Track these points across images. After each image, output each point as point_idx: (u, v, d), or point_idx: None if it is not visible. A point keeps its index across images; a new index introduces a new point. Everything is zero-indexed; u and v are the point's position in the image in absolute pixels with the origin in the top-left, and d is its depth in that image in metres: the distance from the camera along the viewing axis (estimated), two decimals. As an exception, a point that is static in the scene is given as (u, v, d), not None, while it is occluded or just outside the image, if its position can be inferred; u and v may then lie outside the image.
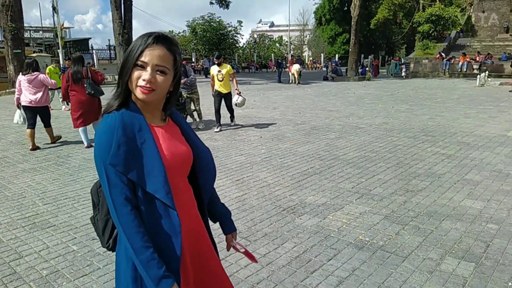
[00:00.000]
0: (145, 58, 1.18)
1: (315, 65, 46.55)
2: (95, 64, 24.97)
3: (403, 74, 26.44)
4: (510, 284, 2.47)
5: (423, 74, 26.32)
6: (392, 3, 44.98)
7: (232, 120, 8.77)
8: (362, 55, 32.03)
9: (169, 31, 47.68)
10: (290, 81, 22.40)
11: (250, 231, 3.38)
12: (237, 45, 47.13)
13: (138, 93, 1.19)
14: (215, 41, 42.85)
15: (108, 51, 31.63)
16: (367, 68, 26.00)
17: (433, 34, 33.21)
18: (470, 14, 40.78)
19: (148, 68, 1.18)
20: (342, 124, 8.47)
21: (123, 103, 1.23)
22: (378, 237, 3.19)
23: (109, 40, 32.86)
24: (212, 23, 42.83)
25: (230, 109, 8.55)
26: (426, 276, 2.61)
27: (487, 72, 19.04)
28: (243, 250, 1.56)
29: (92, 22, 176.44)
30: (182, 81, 7.57)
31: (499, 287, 2.44)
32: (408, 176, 4.75)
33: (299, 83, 21.34)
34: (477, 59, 24.78)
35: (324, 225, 3.46)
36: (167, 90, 1.26)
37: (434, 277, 2.59)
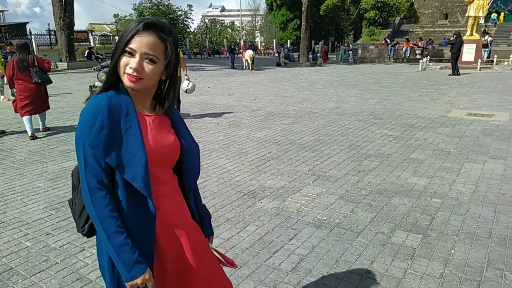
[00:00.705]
0: (133, 45, 1.15)
1: (267, 51, 46.70)
2: (35, 50, 23.25)
3: (350, 60, 27.36)
4: (453, 251, 2.74)
5: (370, 59, 27.41)
6: (340, -10, 46.04)
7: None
8: (313, 41, 32.65)
9: (114, 14, 45.43)
10: (244, 67, 22.36)
11: (213, 217, 3.37)
12: (188, 30, 45.95)
13: (125, 80, 1.17)
14: (164, 26, 41.53)
15: (48, 36, 29.48)
16: (318, 54, 26.54)
17: (378, 20, 34.59)
18: (413, 0, 42.82)
19: (137, 56, 1.15)
20: (297, 110, 8.67)
21: (111, 86, 1.20)
22: (334, 216, 3.36)
23: (48, 24, 30.73)
24: (160, 7, 41.34)
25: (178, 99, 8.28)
26: (379, 248, 2.82)
27: (428, 57, 20.26)
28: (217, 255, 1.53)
29: (28, 5, 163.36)
30: None
31: (443, 255, 2.70)
32: (360, 157, 5.01)
33: (252, 69, 21.37)
34: (420, 44, 26.21)
35: (283, 207, 3.58)
36: (156, 79, 1.23)
37: (386, 249, 2.80)
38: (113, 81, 1.21)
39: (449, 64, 16.35)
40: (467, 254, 2.70)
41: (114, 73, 1.19)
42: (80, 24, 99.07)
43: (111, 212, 1.14)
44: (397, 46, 26.74)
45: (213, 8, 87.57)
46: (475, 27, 18.12)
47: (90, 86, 7.39)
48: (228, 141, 6.06)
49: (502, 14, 33.62)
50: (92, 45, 32.31)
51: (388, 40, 29.03)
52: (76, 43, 27.44)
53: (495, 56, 19.47)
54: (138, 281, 1.16)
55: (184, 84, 7.55)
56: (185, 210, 1.38)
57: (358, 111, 8.26)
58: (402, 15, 37.13)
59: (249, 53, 21.63)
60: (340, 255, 2.75)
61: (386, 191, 3.87)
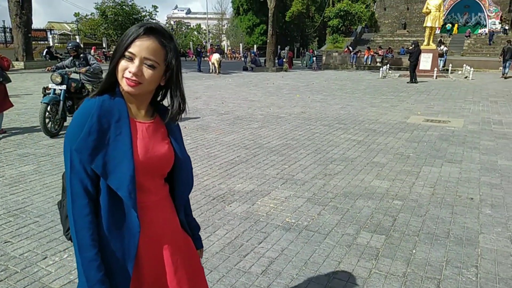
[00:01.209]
0: (133, 49, 1.12)
1: (234, 55, 46.81)
2: (-12, 48, 21.96)
3: (314, 66, 28.04)
4: (414, 251, 2.89)
5: (333, 66, 28.15)
6: (305, -3, 47.05)
7: None
8: (279, 47, 33.11)
9: (75, 13, 43.81)
10: (211, 71, 22.29)
11: (181, 222, 3.39)
12: (152, 31, 45.14)
13: (124, 84, 1.14)
14: (128, 26, 40.47)
15: (3, 34, 27.92)
16: (284, 60, 26.93)
17: (341, 28, 35.67)
18: (374, 10, 44.55)
19: (136, 60, 1.12)
20: (264, 114, 8.76)
21: (107, 90, 1.17)
22: (302, 218, 3.44)
23: (4, 21, 28.98)
24: (124, 7, 40.39)
25: None
26: (345, 249, 2.91)
27: (388, 65, 21.13)
28: None
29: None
30: (83, 69, 6.58)
31: (405, 255, 2.84)
32: (326, 161, 5.15)
33: (219, 72, 21.35)
34: (380, 53, 27.27)
35: (253, 210, 3.61)
36: (155, 85, 1.19)
37: (352, 250, 2.90)
38: (109, 85, 1.18)
39: (408, 72, 17.13)
40: (427, 253, 2.85)
41: (112, 76, 1.17)
42: (38, 22, 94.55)
43: (89, 223, 1.11)
44: (359, 54, 27.65)
45: (178, 10, 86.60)
46: (431, 37, 19.12)
47: (44, 88, 7.09)
48: (196, 144, 6.03)
49: (456, 25, 35.71)
50: (51, 44, 30.97)
51: (350, 47, 29.98)
52: (34, 42, 26.19)
53: (450, 65, 20.63)
54: None
55: None
56: (175, 222, 1.32)
57: (324, 116, 8.47)
58: (364, 24, 38.54)
59: (216, 57, 21.61)
60: (309, 256, 2.81)
61: (351, 194, 4.00)
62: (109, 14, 39.89)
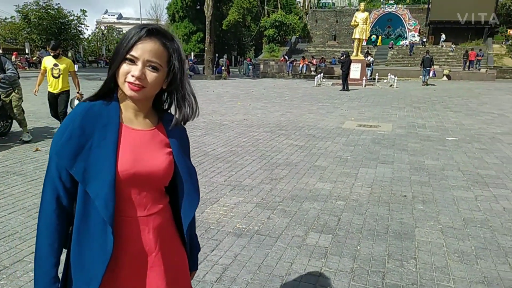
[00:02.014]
0: (136, 52, 1.06)
1: (171, 62, 45.96)
2: None
3: (250, 74, 28.63)
4: (359, 247, 3.06)
5: (271, 74, 28.91)
6: (240, 7, 47.84)
7: None
8: (217, 55, 33.22)
9: (-7, 15, 40.01)
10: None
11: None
12: (81, 36, 42.73)
13: (126, 89, 1.08)
14: (54, 31, 37.85)
15: None
16: (223, 68, 27.06)
17: (277, 38, 36.79)
18: (306, 22, 46.62)
19: (139, 63, 1.07)
20: (207, 122, 8.72)
21: (103, 95, 1.12)
22: (253, 223, 3.48)
23: None
24: (49, 10, 37.73)
25: (64, 117, 6.33)
26: (296, 251, 3.01)
27: (322, 74, 22.21)
28: None
29: None
30: None
31: (351, 251, 3.00)
32: (271, 166, 5.26)
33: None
34: (313, 62, 28.59)
35: (203, 218, 3.58)
36: (158, 89, 1.14)
37: (302, 251, 3.00)
38: (107, 89, 1.13)
39: (340, 81, 18.17)
40: (371, 249, 3.05)
41: (111, 81, 1.11)
42: None
43: (51, 232, 1.06)
44: (294, 63, 28.74)
45: (109, 15, 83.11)
46: (360, 48, 20.50)
47: None
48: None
49: (380, 37, 38.66)
50: (-37, 48, 27.87)
51: (286, 57, 31.06)
52: None
53: (377, 74, 22.27)
54: None
55: (73, 104, 6.40)
56: (169, 240, 1.21)
57: (265, 123, 8.65)
58: (298, 34, 40.13)
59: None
60: (262, 260, 2.86)
61: (298, 197, 4.14)
62: (32, 18, 37.00)
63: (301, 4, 53.18)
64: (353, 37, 20.27)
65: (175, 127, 1.18)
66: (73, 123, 1.06)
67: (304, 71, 27.77)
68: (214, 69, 26.03)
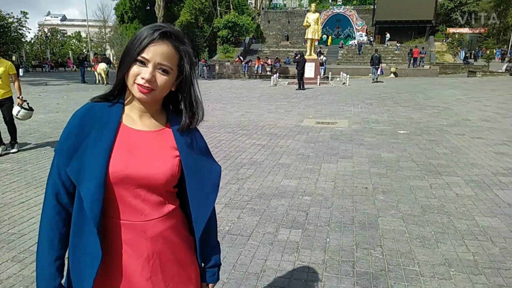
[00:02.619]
0: (147, 54, 1.03)
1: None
2: None
3: (204, 76, 28.50)
4: (328, 239, 3.16)
5: (227, 75, 28.87)
6: (192, 7, 47.32)
7: (12, 146, 6.01)
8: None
9: None
10: (97, 81, 20.82)
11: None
12: (23, 39, 40.17)
13: (135, 91, 1.05)
14: (-8, 34, 35.33)
15: None
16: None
17: (231, 39, 36.85)
18: (259, 23, 47.09)
19: (150, 66, 1.04)
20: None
21: (110, 96, 1.11)
22: (223, 224, 3.47)
23: None
24: (-14, 12, 35.11)
25: (11, 127, 5.95)
26: (269, 247, 3.04)
27: (278, 74, 22.53)
28: None
29: None
30: None
31: (322, 244, 3.09)
32: (236, 166, 5.28)
33: (107, 83, 20.07)
34: (268, 62, 28.93)
35: (171, 222, 3.51)
36: (167, 91, 1.11)
37: (275, 247, 3.05)
38: (118, 90, 1.11)
39: (295, 80, 18.54)
40: (339, 240, 3.16)
41: (122, 82, 1.09)
42: None
43: (51, 228, 1.07)
44: (250, 63, 28.91)
45: (52, 17, 78.72)
46: (313, 48, 21.04)
47: None
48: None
49: (330, 37, 39.93)
50: None
51: (241, 57, 31.16)
52: None
53: (330, 73, 22.98)
54: None
55: (14, 111, 5.79)
56: (173, 248, 1.15)
57: (226, 124, 8.64)
58: (251, 35, 40.44)
59: (102, 67, 20.29)
60: (236, 259, 2.86)
61: (265, 195, 4.19)
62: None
63: (253, 5, 53.66)
64: (306, 37, 20.76)
65: (183, 132, 1.15)
66: (73, 122, 1.07)
67: (260, 71, 28.02)
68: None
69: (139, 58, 1.04)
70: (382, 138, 7.01)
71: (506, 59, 32.47)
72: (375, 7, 40.37)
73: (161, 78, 1.06)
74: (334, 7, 40.53)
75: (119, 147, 1.06)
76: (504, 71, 24.98)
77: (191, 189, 1.13)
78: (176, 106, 1.20)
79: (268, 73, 27.13)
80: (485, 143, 6.55)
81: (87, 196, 1.02)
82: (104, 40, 62.26)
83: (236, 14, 39.26)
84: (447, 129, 7.78)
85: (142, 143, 1.10)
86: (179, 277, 1.18)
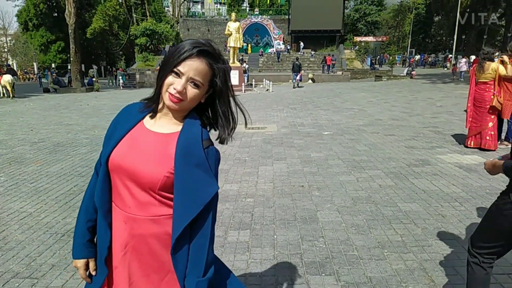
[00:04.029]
0: (183, 68, 1.13)
1: (27, 76, 40.53)
2: None
3: (120, 85, 27.53)
4: (275, 236, 3.34)
5: (149, 84, 28.03)
6: (105, 14, 45.06)
7: None
8: (83, 65, 30.63)
9: None
10: (2, 95, 18.78)
11: (31, 268, 2.90)
12: None
13: (166, 98, 1.16)
14: None
15: None
16: (94, 79, 25.13)
17: (150, 47, 35.85)
18: (178, 30, 46.53)
19: (183, 78, 1.14)
20: (90, 138, 8.07)
21: (151, 98, 1.26)
22: (171, 233, 3.46)
23: None
24: None
25: None
26: (221, 250, 3.12)
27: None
28: None
29: None
30: None
31: (270, 241, 3.26)
32: (174, 175, 5.23)
33: (14, 96, 18.25)
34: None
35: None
36: (196, 103, 1.21)
37: (226, 249, 3.13)
38: (157, 96, 1.23)
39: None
40: (286, 235, 3.36)
41: (160, 89, 1.20)
42: None
43: (90, 195, 1.29)
44: (172, 71, 28.45)
45: None
46: (235, 55, 21.46)
47: None
48: (15, 181, 5.11)
49: (249, 45, 41.06)
50: None
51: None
52: None
53: (253, 80, 23.62)
54: (75, 264, 1.32)
55: None
56: (149, 253, 1.19)
57: (156, 133, 8.44)
58: (171, 43, 39.82)
59: (7, 79, 18.39)
60: (189, 265, 2.89)
61: (208, 201, 4.24)
62: None
63: (171, 13, 52.91)
64: (228, 45, 21.10)
65: (188, 140, 1.16)
66: (116, 116, 1.30)
67: (183, 80, 27.71)
68: (85, 80, 23.99)
69: (175, 70, 1.14)
70: (310, 139, 7.49)
71: (407, 64, 36.52)
72: (290, 17, 42.59)
73: (191, 91, 1.16)
74: (252, 16, 41.87)
75: (126, 140, 1.20)
76: (405, 74, 28.12)
77: (176, 199, 1.14)
78: (210, 117, 1.29)
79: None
80: (397, 139, 7.37)
81: (99, 176, 1.24)
82: (5, 50, 56.19)
83: (154, 21, 38.32)
84: (364, 129, 8.57)
85: (146, 142, 1.19)
86: (148, 284, 1.21)
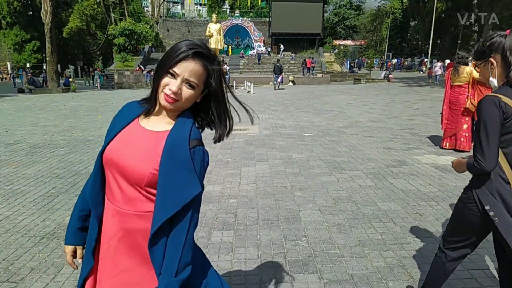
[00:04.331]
0: (178, 69, 1.17)
1: (1, 76, 39.23)
2: None
3: (98, 85, 27.09)
4: (259, 236, 3.37)
5: (128, 85, 27.62)
6: (83, 13, 44.13)
7: None
8: (59, 65, 29.86)
9: None
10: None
11: (10, 272, 2.83)
12: None
13: (161, 98, 1.19)
14: None
15: None
16: (70, 79, 24.57)
17: (129, 47, 35.31)
18: (158, 31, 46.04)
19: (178, 79, 1.17)
20: (67, 139, 7.90)
21: (149, 98, 1.30)
22: (154, 234, 3.44)
23: None
24: None
25: None
26: (205, 250, 3.09)
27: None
28: None
29: None
30: None
31: (254, 241, 3.29)
32: (156, 177, 5.19)
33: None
34: (171, 71, 28.47)
35: (97, 239, 3.35)
36: (190, 103, 1.24)
37: (210, 249, 3.14)
38: (153, 96, 1.26)
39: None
40: (269, 235, 3.39)
41: (154, 89, 1.25)
42: None
43: (88, 187, 1.33)
44: (152, 72, 28.10)
45: None
46: (216, 57, 21.38)
47: None
48: (-10, 183, 4.95)
49: (230, 47, 41.04)
50: None
51: (142, 66, 30.10)
52: None
53: (234, 81, 23.61)
54: (64, 249, 1.40)
55: None
56: (134, 248, 1.21)
57: (136, 135, 8.34)
58: (151, 44, 39.34)
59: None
60: (173, 266, 2.88)
61: (191, 202, 4.23)
62: None
63: (150, 13, 52.31)
64: (210, 47, 21.00)
65: (175, 139, 1.17)
66: (117, 113, 1.34)
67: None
68: (61, 80, 23.42)
69: (170, 71, 1.18)
70: (291, 141, 7.57)
71: (384, 67, 37.31)
72: (270, 19, 42.83)
73: (186, 92, 1.19)
74: (233, 18, 41.87)
75: (120, 136, 1.24)
76: (383, 78, 28.72)
77: (157, 196, 1.14)
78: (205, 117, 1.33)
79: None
80: (376, 140, 7.54)
81: (93, 168, 1.31)
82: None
83: (133, 21, 37.79)
84: (344, 130, 8.73)
85: (138, 139, 1.22)
86: (131, 278, 1.22)
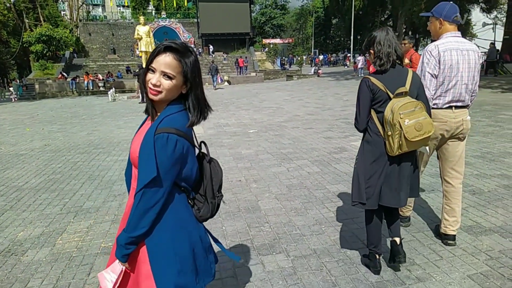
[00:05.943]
0: (155, 64, 1.37)
1: None
2: None
3: (13, 98, 25.01)
4: (224, 227, 3.54)
5: (51, 94, 25.80)
6: (-9, 20, 40.05)
7: None
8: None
9: None
10: None
11: (-31, 294, 2.69)
12: None
13: (148, 92, 1.40)
14: None
15: None
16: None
17: (47, 54, 32.86)
18: (78, 35, 43.38)
19: (157, 73, 1.37)
20: (-3, 155, 7.32)
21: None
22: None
23: None
24: None
25: None
26: (174, 247, 3.22)
27: (114, 89, 21.46)
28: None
29: None
30: None
31: (220, 232, 3.45)
32: (107, 184, 5.08)
33: None
34: (100, 77, 27.15)
35: (59, 251, 3.28)
36: (176, 93, 1.42)
37: (180, 245, 3.25)
38: (146, 96, 1.48)
39: (135, 94, 18.08)
40: (233, 226, 3.58)
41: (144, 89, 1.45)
42: None
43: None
44: (78, 79, 26.54)
45: None
46: (145, 61, 20.84)
47: None
48: None
49: (160, 50, 39.99)
50: None
51: (64, 74, 28.26)
52: None
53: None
54: None
55: None
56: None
57: (74, 145, 7.98)
58: (72, 49, 36.99)
59: None
60: (146, 265, 2.95)
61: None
62: None
63: (68, 17, 49.07)
64: (139, 50, 20.40)
65: (151, 127, 1.40)
66: None
67: (91, 88, 26.05)
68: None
69: (149, 67, 1.39)
70: (237, 138, 7.80)
71: (313, 64, 39.07)
72: (199, 20, 42.60)
73: (165, 83, 1.38)
74: (160, 20, 40.88)
75: (138, 132, 1.53)
76: (313, 73, 30.16)
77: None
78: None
79: (102, 88, 25.52)
80: (316, 131, 8.06)
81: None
82: None
83: (50, 26, 35.18)
84: (285, 124, 9.17)
85: (141, 130, 1.51)
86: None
